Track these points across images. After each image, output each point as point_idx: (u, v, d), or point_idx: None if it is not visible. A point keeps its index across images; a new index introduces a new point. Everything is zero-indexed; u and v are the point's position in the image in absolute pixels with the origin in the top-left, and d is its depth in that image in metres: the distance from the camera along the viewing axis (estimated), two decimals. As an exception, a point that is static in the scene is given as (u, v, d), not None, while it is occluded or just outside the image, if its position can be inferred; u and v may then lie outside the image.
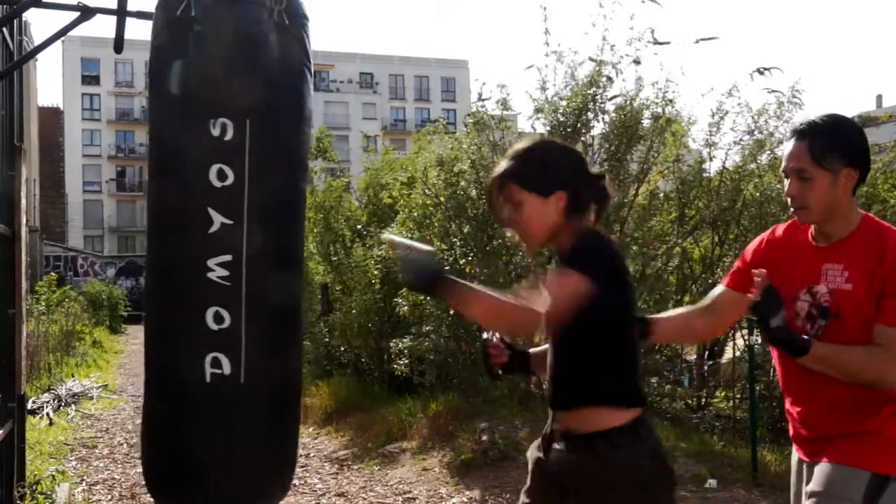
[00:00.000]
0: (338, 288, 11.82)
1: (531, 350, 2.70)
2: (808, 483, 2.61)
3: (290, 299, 2.93)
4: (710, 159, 8.60)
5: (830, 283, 2.59)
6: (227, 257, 2.80)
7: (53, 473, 5.82)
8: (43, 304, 16.80)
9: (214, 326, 2.78)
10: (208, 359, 2.78)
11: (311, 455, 8.17)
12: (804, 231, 2.73)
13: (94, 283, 30.31)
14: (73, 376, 13.28)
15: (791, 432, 2.80)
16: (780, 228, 2.86)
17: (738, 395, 8.30)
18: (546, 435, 2.51)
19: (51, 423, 9.43)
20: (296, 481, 7.13)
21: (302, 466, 7.72)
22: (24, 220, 4.94)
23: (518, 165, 2.47)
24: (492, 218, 9.04)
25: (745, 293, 2.59)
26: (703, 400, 8.67)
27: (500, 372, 2.66)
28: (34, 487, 5.23)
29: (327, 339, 11.44)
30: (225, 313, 2.78)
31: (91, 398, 11.71)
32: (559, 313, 2.25)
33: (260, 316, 2.83)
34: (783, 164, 2.67)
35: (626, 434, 2.34)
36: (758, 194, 8.23)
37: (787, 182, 2.65)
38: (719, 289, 2.94)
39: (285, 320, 2.92)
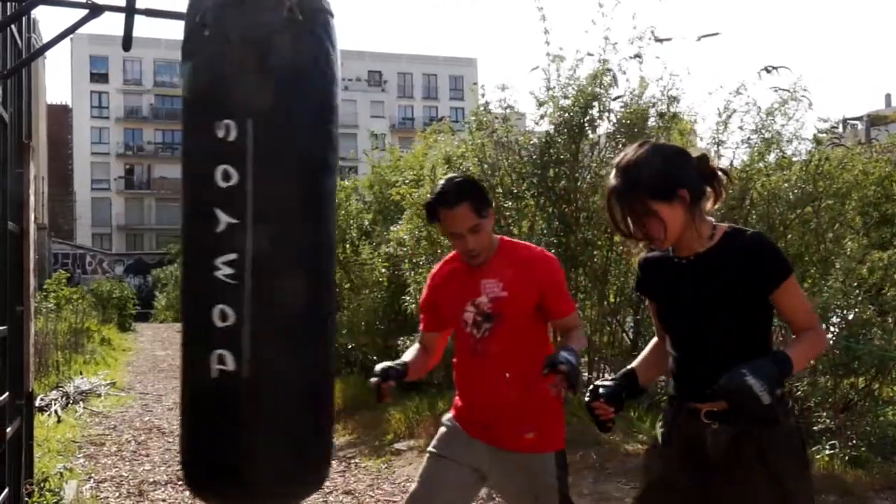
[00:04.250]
0: (346, 286, 11.83)
1: (634, 366, 2.79)
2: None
3: (301, 299, 2.92)
4: (718, 158, 8.58)
5: (490, 294, 3.30)
6: (233, 256, 2.83)
7: (61, 471, 5.84)
8: (52, 301, 16.84)
9: (220, 324, 2.81)
10: (214, 355, 2.81)
11: (318, 453, 8.18)
12: (458, 258, 3.44)
13: (102, 280, 30.39)
14: (81, 374, 13.32)
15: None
16: (436, 268, 3.61)
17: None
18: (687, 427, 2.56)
19: (59, 421, 9.46)
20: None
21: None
22: (32, 218, 4.96)
23: (635, 175, 2.50)
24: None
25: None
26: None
27: (612, 424, 2.71)
28: (42, 484, 5.25)
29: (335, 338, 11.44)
30: (229, 311, 2.81)
31: (99, 396, 11.75)
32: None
33: (266, 314, 2.83)
34: (452, 227, 3.26)
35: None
36: (765, 193, 8.21)
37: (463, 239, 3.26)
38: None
39: (299, 319, 2.91)
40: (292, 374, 2.91)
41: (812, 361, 2.55)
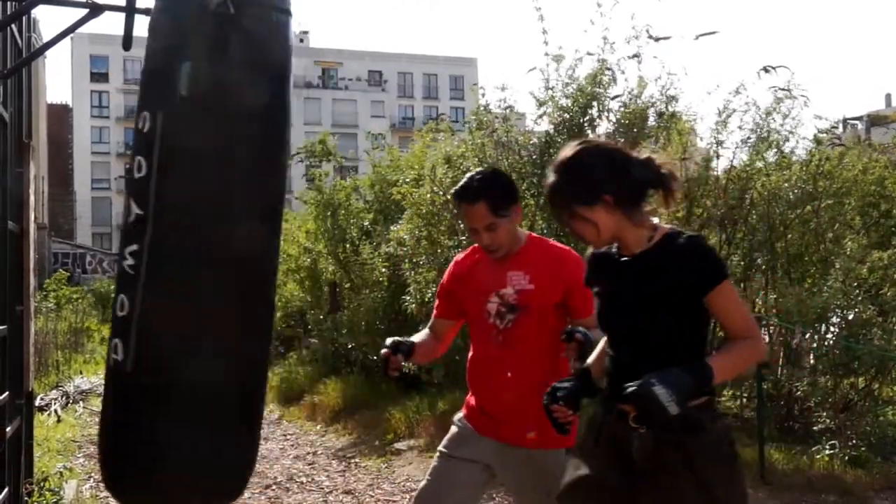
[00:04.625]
0: (346, 286, 11.83)
1: (589, 365, 2.78)
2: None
3: (206, 297, 2.83)
4: (717, 157, 8.58)
5: (516, 286, 3.32)
6: (135, 247, 2.85)
7: (61, 470, 5.84)
8: (51, 301, 16.84)
9: (119, 313, 2.84)
10: (113, 343, 2.85)
11: (319, 452, 8.19)
12: (479, 251, 3.48)
13: (102, 280, 30.35)
14: (81, 373, 13.31)
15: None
16: (460, 256, 3.64)
17: (746, 395, 8.28)
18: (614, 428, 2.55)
19: (59, 420, 9.47)
20: (303, 478, 7.15)
21: (310, 464, 7.74)
22: (32, 217, 4.96)
23: (560, 181, 2.55)
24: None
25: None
26: (711, 399, 8.63)
27: (569, 427, 2.69)
28: (42, 484, 5.25)
29: (335, 337, 11.45)
30: (126, 301, 2.81)
31: (99, 395, 11.73)
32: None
33: (160, 308, 2.79)
34: (468, 221, 3.36)
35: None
36: (766, 193, 8.21)
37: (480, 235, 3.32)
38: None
39: (202, 317, 2.82)
40: (184, 373, 2.79)
41: (745, 370, 2.48)
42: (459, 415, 3.56)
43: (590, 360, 2.80)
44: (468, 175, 3.40)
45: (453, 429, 3.52)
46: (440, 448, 3.51)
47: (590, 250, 2.76)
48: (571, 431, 2.88)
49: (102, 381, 12.12)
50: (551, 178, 2.58)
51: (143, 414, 2.81)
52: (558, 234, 8.42)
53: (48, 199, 33.14)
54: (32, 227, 4.98)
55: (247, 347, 2.94)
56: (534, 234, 3.53)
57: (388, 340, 3.35)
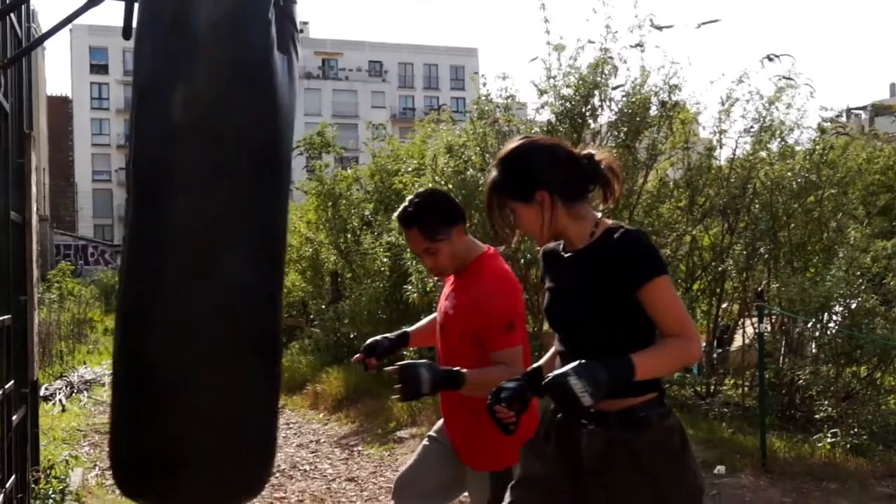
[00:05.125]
0: (348, 275, 11.84)
1: (540, 364, 2.77)
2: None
3: (162, 286, 2.77)
4: (720, 146, 8.58)
5: (445, 307, 3.39)
6: (125, 232, 2.92)
7: (67, 458, 5.86)
8: (55, 292, 16.87)
9: (115, 300, 2.88)
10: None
11: (322, 440, 8.21)
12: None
13: (104, 271, 30.39)
14: (85, 363, 13.35)
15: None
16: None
17: (748, 383, 8.30)
18: (559, 426, 2.56)
19: (63, 410, 9.50)
20: (307, 466, 7.18)
21: (313, 452, 7.77)
22: (34, 208, 4.96)
23: (500, 176, 2.56)
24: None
25: None
26: (713, 387, 8.67)
27: (514, 427, 2.66)
28: (48, 472, 5.27)
29: (337, 327, 11.47)
30: (119, 288, 2.94)
31: (103, 385, 11.77)
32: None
33: (132, 297, 2.82)
34: (410, 247, 3.43)
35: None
36: (768, 182, 8.21)
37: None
38: None
39: (165, 307, 2.76)
40: (157, 368, 2.72)
41: (678, 370, 2.41)
42: None
43: (542, 360, 2.78)
44: (408, 199, 3.40)
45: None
46: (429, 433, 3.60)
47: (547, 246, 2.73)
48: (502, 454, 3.04)
49: (106, 372, 12.17)
50: (492, 173, 2.59)
51: (120, 407, 2.82)
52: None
53: (49, 190, 33.12)
54: (35, 217, 4.99)
55: (200, 342, 2.78)
56: (489, 254, 3.41)
57: (366, 342, 3.49)
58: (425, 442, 3.57)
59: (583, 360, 2.31)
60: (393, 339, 3.55)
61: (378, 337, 3.55)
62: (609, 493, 2.44)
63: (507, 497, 2.66)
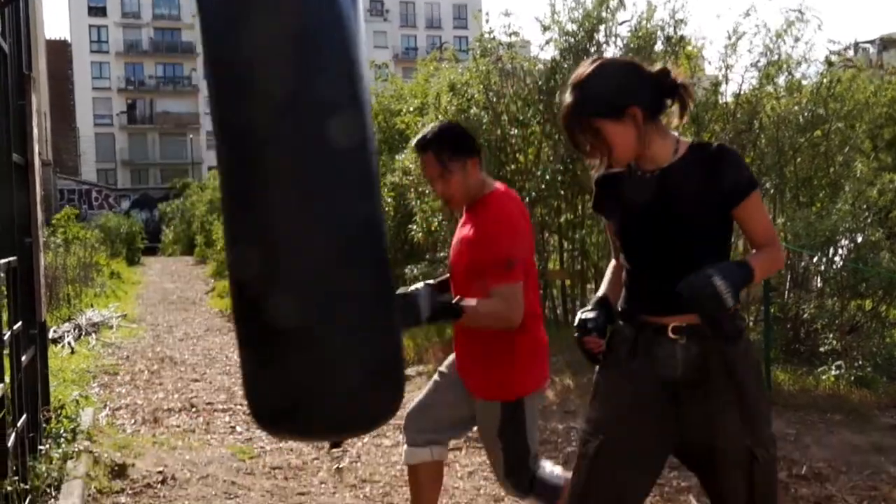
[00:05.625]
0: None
1: (606, 293, 2.75)
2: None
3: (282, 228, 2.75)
4: (726, 82, 8.50)
5: (455, 241, 3.45)
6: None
7: (77, 398, 5.92)
8: (60, 237, 16.90)
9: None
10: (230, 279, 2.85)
11: (329, 380, 8.27)
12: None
13: (109, 215, 30.42)
14: (92, 306, 13.42)
15: None
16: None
17: (752, 317, 8.33)
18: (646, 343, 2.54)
19: (72, 352, 9.57)
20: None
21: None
22: (36, 149, 4.95)
23: (585, 95, 2.47)
24: (504, 145, 9.10)
25: None
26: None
27: (602, 356, 2.65)
28: (59, 412, 5.33)
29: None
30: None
31: (111, 327, 11.86)
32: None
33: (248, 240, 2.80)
34: (424, 173, 3.46)
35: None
36: (775, 117, 8.15)
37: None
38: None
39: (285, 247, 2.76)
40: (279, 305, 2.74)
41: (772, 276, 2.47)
42: None
43: (603, 288, 2.77)
44: (426, 127, 3.47)
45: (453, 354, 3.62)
46: (439, 369, 3.64)
47: (599, 172, 2.68)
48: (515, 384, 3.12)
49: (113, 315, 12.24)
50: (571, 95, 2.50)
51: (262, 348, 2.79)
52: (564, 161, 8.39)
53: (51, 135, 32.99)
54: (37, 159, 4.97)
55: (329, 274, 2.77)
56: (498, 192, 3.43)
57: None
58: (435, 378, 3.61)
59: (720, 263, 2.35)
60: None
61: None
62: (704, 403, 2.48)
63: (595, 430, 2.60)
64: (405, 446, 3.62)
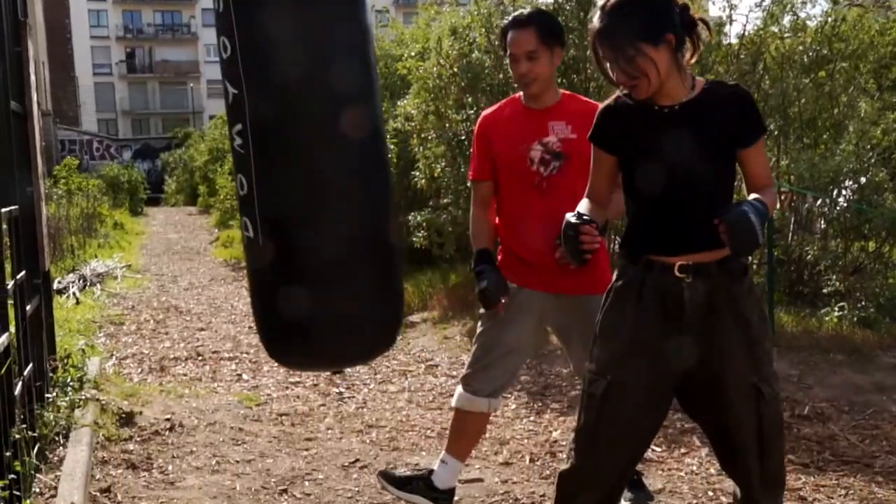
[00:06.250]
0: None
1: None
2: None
3: (308, 169, 2.82)
4: (730, 22, 8.40)
5: (559, 134, 3.40)
6: (239, 126, 2.82)
7: (83, 348, 5.95)
8: (62, 188, 16.87)
9: (241, 192, 2.83)
10: (242, 221, 2.88)
11: (333, 327, 8.30)
12: (517, 102, 3.56)
13: (111, 166, 30.36)
14: (96, 257, 13.45)
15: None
16: (488, 111, 3.66)
17: (756, 260, 8.33)
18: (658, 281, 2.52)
19: (77, 303, 9.61)
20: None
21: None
22: (34, 97, 4.90)
23: (625, 18, 2.41)
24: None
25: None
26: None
27: (590, 256, 2.54)
28: (65, 361, 5.36)
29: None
30: (244, 180, 2.81)
31: (115, 278, 11.90)
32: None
33: (273, 183, 2.79)
34: (512, 48, 3.42)
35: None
36: (779, 58, 8.06)
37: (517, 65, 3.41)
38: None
39: (310, 186, 2.81)
40: (313, 242, 2.81)
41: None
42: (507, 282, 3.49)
43: (583, 207, 2.65)
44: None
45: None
46: (483, 316, 3.54)
47: (607, 103, 2.63)
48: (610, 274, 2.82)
49: (118, 265, 12.28)
50: (606, 18, 2.42)
51: (280, 282, 2.85)
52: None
53: (50, 85, 32.75)
54: (36, 107, 4.93)
55: (343, 209, 2.88)
56: (569, 92, 3.58)
57: (486, 289, 3.38)
58: (486, 327, 3.51)
59: (749, 200, 2.36)
60: (491, 263, 3.47)
61: (487, 279, 3.39)
62: (711, 340, 2.49)
63: (602, 370, 2.58)
64: (460, 389, 3.56)
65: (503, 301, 3.40)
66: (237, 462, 4.50)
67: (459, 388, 3.58)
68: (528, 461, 4.47)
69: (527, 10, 3.49)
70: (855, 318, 6.55)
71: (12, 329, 3.86)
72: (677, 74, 2.47)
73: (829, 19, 8.12)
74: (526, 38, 3.38)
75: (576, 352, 3.49)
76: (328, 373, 5.97)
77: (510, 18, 3.49)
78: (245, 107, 2.79)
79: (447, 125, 8.54)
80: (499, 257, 3.58)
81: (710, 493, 3.96)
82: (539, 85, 3.42)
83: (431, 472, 3.66)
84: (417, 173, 8.90)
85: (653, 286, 2.52)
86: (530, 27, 3.38)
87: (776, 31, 8.23)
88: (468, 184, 4.10)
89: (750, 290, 2.55)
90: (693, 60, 2.53)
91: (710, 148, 2.46)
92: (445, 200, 8.64)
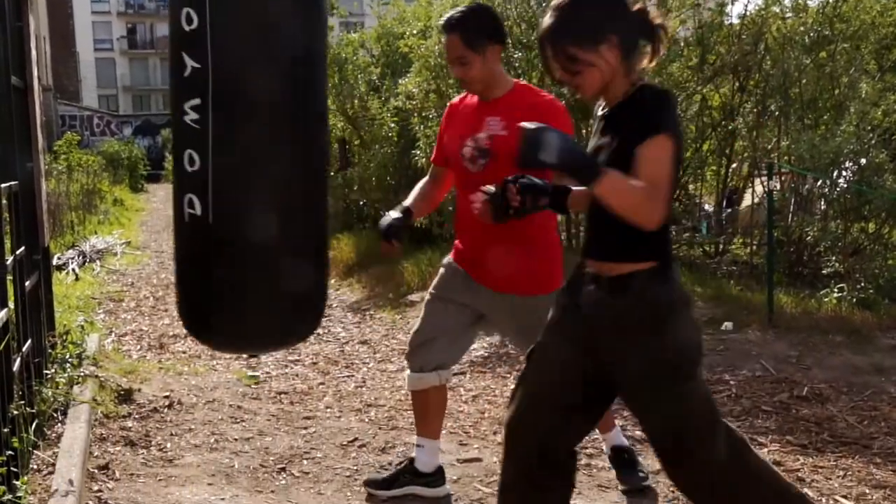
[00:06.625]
0: (356, 142, 11.76)
1: (574, 188, 2.70)
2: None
3: (264, 146, 2.79)
4: (732, 3, 8.38)
5: (490, 131, 3.34)
6: (197, 101, 2.78)
7: (82, 324, 5.96)
8: (62, 163, 16.84)
9: (189, 168, 2.78)
10: (186, 198, 2.79)
11: (334, 305, 8.34)
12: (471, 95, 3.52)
13: (111, 142, 30.30)
14: (96, 233, 13.45)
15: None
16: (455, 100, 3.68)
17: (756, 242, 8.34)
18: (577, 278, 2.58)
19: (77, 279, 9.62)
20: (320, 330, 7.28)
21: (326, 316, 7.88)
22: (35, 72, 4.88)
23: (560, 20, 2.41)
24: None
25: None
26: (721, 246, 8.72)
27: (510, 213, 2.68)
28: (64, 337, 5.37)
29: (347, 194, 11.47)
30: (196, 156, 2.77)
31: (115, 254, 11.90)
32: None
33: (228, 160, 2.77)
34: (446, 52, 3.40)
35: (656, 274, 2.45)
36: (780, 38, 8.03)
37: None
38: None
39: (265, 166, 2.79)
40: (260, 221, 2.75)
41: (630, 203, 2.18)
42: (448, 258, 3.64)
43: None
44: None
45: (441, 270, 3.63)
46: (430, 290, 3.64)
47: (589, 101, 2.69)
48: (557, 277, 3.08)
49: (117, 241, 12.29)
50: (551, 18, 2.43)
51: (223, 263, 2.82)
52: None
53: (51, 60, 32.61)
54: (36, 82, 4.92)
55: (293, 195, 2.87)
56: (523, 83, 3.51)
57: (381, 226, 3.45)
58: (433, 302, 3.59)
59: (565, 134, 2.38)
60: (400, 216, 3.46)
61: (386, 220, 3.45)
62: (599, 349, 2.50)
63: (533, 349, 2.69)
64: (409, 372, 3.64)
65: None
66: (236, 440, 4.51)
67: (407, 371, 3.66)
68: (525, 440, 4.48)
69: (456, 13, 3.36)
70: (854, 300, 6.55)
71: (11, 305, 3.87)
72: (619, 80, 2.43)
73: (831, 0, 8.08)
74: (453, 44, 3.33)
75: (518, 344, 3.60)
76: (245, 356, 6.02)
77: (444, 19, 3.42)
78: (209, 81, 2.76)
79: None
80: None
81: (707, 473, 3.98)
82: (477, 86, 3.39)
83: (412, 460, 3.71)
84: (418, 152, 8.88)
85: (573, 280, 2.61)
86: (455, 33, 3.31)
87: (777, 11, 8.21)
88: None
89: (640, 310, 2.43)
90: (652, 65, 2.50)
91: (613, 157, 2.40)
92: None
